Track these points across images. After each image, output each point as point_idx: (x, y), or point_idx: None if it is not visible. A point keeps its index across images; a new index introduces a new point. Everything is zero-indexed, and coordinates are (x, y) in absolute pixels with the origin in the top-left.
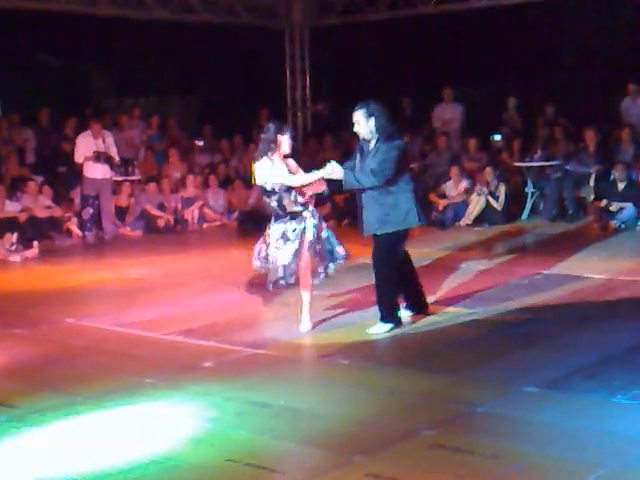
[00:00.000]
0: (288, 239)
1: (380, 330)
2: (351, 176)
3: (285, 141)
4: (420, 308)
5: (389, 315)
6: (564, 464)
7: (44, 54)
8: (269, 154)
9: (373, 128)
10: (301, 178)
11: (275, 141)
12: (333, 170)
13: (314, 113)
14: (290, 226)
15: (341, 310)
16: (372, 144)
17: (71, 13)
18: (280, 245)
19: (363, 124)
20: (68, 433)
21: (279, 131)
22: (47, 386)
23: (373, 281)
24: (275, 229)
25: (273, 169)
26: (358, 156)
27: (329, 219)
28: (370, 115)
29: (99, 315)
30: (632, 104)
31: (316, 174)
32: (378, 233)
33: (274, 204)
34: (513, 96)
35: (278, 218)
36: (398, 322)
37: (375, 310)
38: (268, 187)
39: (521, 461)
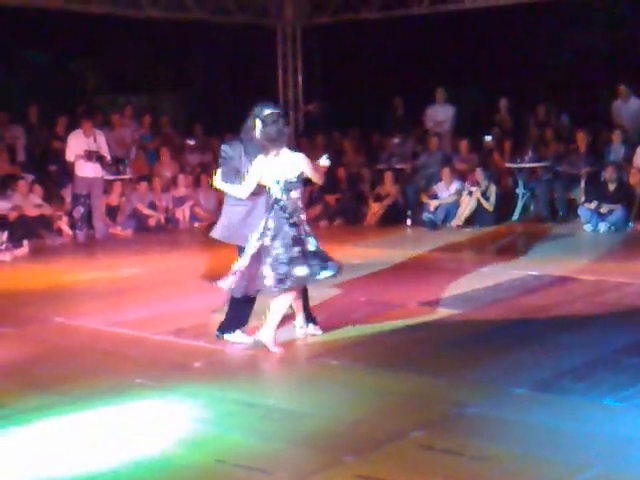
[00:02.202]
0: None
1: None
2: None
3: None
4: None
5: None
6: (553, 465)
7: (34, 51)
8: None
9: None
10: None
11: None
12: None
13: (306, 112)
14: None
15: (330, 311)
16: None
17: (62, 11)
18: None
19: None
20: (57, 433)
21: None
22: (36, 386)
23: (362, 283)
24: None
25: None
26: None
27: (320, 219)
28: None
29: (89, 314)
30: (623, 106)
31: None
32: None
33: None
34: (505, 97)
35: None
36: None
37: (365, 310)
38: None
39: (510, 462)
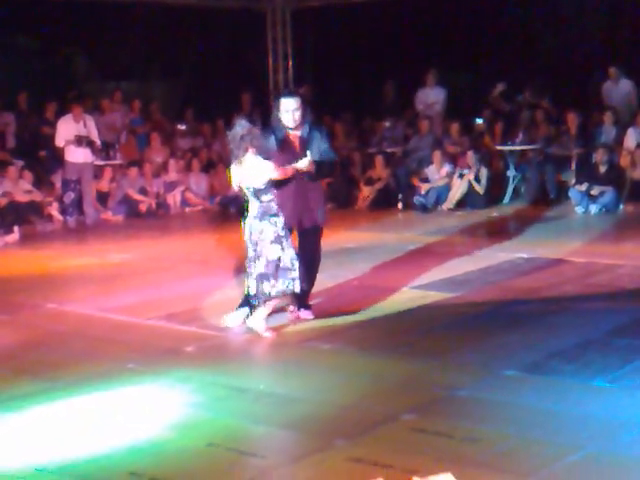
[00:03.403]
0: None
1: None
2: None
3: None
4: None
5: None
6: (543, 447)
7: (23, 37)
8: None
9: (301, 115)
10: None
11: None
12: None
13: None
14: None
15: (321, 295)
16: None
17: None
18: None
19: (299, 109)
20: (49, 419)
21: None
22: (27, 372)
23: (354, 267)
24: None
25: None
26: (291, 147)
27: None
28: (301, 103)
29: (80, 300)
30: (613, 87)
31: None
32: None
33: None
34: (501, 82)
35: (264, 218)
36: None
37: (357, 294)
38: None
39: (501, 444)
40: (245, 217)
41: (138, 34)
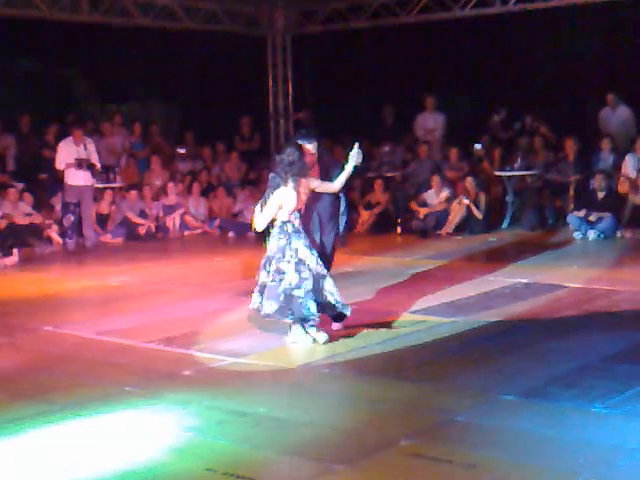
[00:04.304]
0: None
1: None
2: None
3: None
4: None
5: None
6: (541, 473)
7: (24, 60)
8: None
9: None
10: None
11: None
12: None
13: (296, 121)
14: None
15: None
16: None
17: (53, 20)
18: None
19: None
20: (45, 442)
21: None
22: (24, 394)
23: (353, 291)
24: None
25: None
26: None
27: None
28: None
29: (78, 323)
30: (611, 114)
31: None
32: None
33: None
34: (501, 108)
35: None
36: None
37: (356, 319)
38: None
39: (498, 470)
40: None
41: (138, 57)
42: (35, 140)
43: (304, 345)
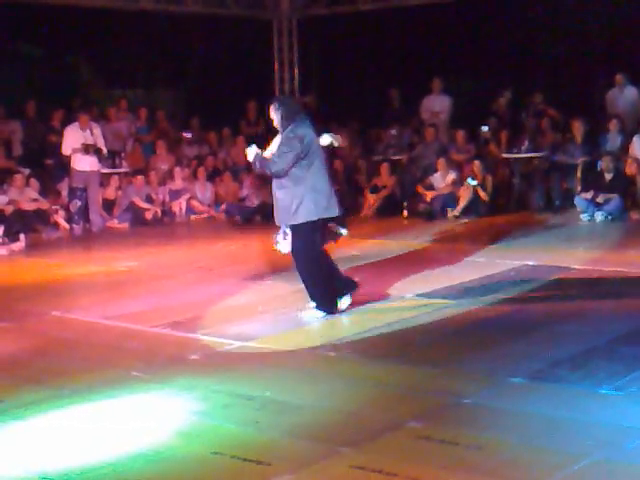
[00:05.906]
0: None
1: (313, 316)
2: (259, 160)
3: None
4: (351, 286)
5: (321, 304)
6: (549, 455)
7: (29, 45)
8: None
9: (279, 119)
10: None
11: None
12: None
13: (303, 105)
14: None
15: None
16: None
17: (57, 4)
18: None
19: (274, 116)
20: (54, 427)
21: None
22: (33, 380)
23: (359, 274)
24: None
25: None
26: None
27: None
28: (278, 108)
29: (86, 308)
30: (619, 95)
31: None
32: (291, 223)
33: None
34: (508, 90)
35: None
36: (331, 310)
37: (362, 301)
38: None
39: (506, 452)
40: None
41: (143, 41)
42: (41, 125)
43: (313, 326)
